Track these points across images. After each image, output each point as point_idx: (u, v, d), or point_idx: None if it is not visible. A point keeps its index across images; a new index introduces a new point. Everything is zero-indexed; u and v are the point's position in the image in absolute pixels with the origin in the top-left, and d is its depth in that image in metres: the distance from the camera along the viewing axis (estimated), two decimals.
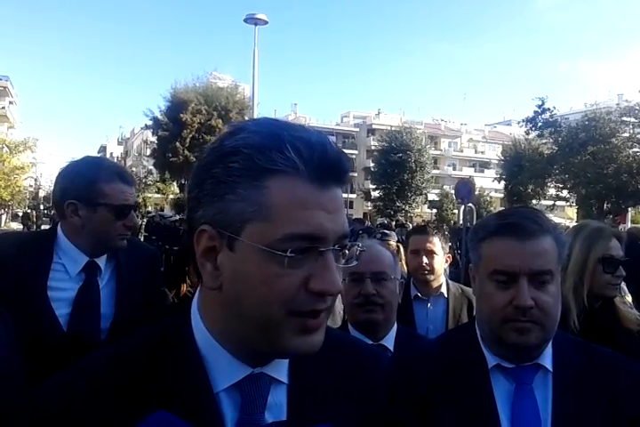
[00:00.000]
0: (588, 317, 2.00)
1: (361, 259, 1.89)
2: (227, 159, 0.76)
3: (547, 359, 1.29)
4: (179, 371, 0.81)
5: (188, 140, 31.41)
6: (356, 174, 56.16)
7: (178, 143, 31.20)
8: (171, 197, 39.21)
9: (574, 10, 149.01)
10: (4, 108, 47.13)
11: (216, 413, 0.80)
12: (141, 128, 44.17)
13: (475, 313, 1.50)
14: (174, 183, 36.41)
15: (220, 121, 31.97)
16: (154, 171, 38.37)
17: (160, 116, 32.70)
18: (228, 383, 0.81)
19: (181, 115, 31.01)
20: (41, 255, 1.79)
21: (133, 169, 53.75)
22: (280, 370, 0.86)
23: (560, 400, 1.23)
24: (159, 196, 41.56)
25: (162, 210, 39.62)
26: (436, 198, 48.95)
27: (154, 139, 35.11)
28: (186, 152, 31.19)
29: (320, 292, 0.75)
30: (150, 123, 33.75)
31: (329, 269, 0.76)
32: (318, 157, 0.76)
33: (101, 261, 1.90)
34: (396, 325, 1.93)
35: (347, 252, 0.83)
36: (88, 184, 1.80)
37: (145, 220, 21.84)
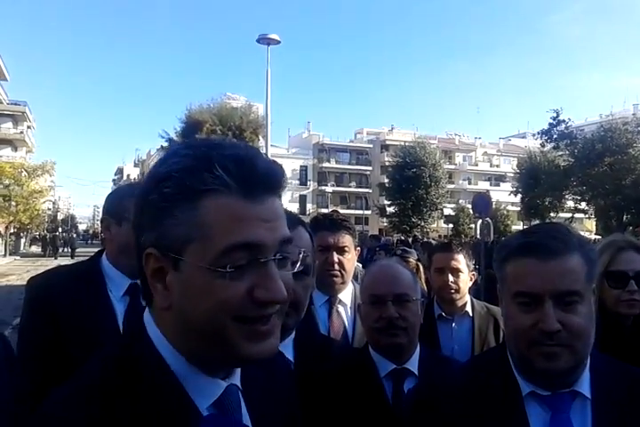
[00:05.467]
0: (612, 335, 1.89)
1: (381, 280, 1.83)
2: (161, 185, 0.79)
3: (584, 386, 1.20)
4: (158, 395, 0.80)
5: None
6: (370, 190, 56.16)
7: None
8: None
9: (586, 23, 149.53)
10: (22, 132, 48.08)
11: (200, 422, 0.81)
12: (157, 150, 44.68)
13: (504, 339, 1.42)
14: None
15: (235, 141, 32.23)
16: None
17: (175, 138, 33.07)
18: (210, 400, 0.83)
19: (196, 135, 31.32)
20: (92, 286, 1.88)
21: None
22: (237, 378, 0.90)
23: None
24: None
25: None
26: (452, 213, 48.70)
27: None
28: None
29: (265, 301, 0.78)
30: (166, 144, 34.15)
31: (271, 278, 0.79)
32: (247, 172, 0.79)
33: None
34: (418, 346, 1.87)
35: (288, 257, 0.84)
36: (116, 200, 1.94)
37: None
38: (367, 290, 1.83)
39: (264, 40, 20.75)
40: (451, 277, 2.61)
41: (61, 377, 1.74)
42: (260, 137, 32.16)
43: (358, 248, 2.46)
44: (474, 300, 2.78)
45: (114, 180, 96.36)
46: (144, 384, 0.80)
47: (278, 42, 21.14)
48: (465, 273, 2.65)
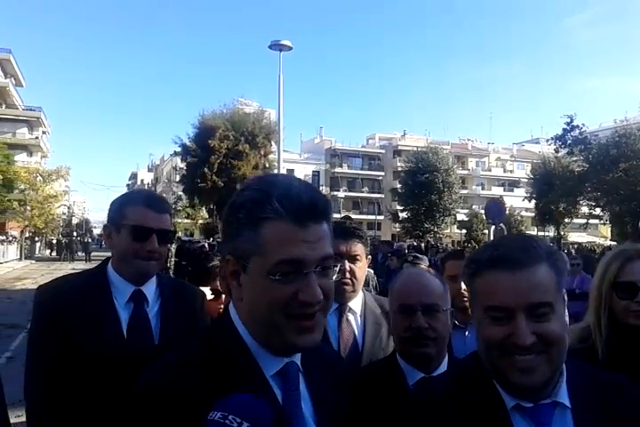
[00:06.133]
0: (623, 347, 1.86)
1: (410, 290, 1.83)
2: (236, 211, 1.07)
3: (563, 395, 1.19)
4: (237, 363, 1.08)
5: (215, 165, 31.85)
6: (383, 196, 56.05)
7: (206, 169, 31.64)
8: (200, 221, 39.65)
9: (603, 27, 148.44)
10: (37, 138, 48.69)
11: (270, 392, 1.08)
12: (171, 155, 44.97)
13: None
14: (203, 208, 36.84)
15: (247, 146, 32.42)
16: (183, 196, 38.92)
17: (189, 143, 33.29)
18: (273, 371, 1.10)
19: (209, 141, 31.55)
20: (98, 293, 1.92)
21: (163, 195, 54.61)
22: (298, 358, 1.16)
23: None
24: (189, 221, 42.04)
25: (192, 235, 40.04)
26: (466, 218, 48.43)
27: (183, 165, 35.68)
28: (214, 177, 31.62)
29: (304, 302, 1.03)
30: (179, 150, 34.38)
31: (310, 285, 1.03)
32: (295, 204, 1.04)
33: (150, 292, 1.98)
34: (447, 355, 1.85)
35: (335, 269, 1.10)
36: (116, 208, 1.97)
37: (175, 245, 22.03)
38: (397, 299, 1.81)
39: (276, 46, 20.84)
40: (464, 285, 2.58)
41: (68, 379, 1.78)
42: (273, 142, 32.27)
43: (369, 256, 2.45)
44: None
45: (128, 185, 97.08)
46: (227, 354, 1.08)
47: (290, 48, 21.22)
48: None
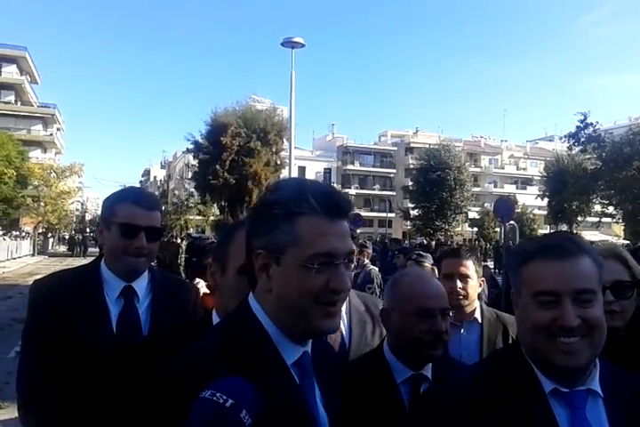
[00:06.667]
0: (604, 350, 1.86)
1: (431, 293, 1.90)
2: (271, 208, 1.16)
3: (597, 384, 1.27)
4: (262, 351, 1.15)
5: (227, 162, 31.81)
6: (394, 193, 55.88)
7: (218, 166, 31.60)
8: (211, 218, 39.76)
9: (619, 24, 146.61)
10: (51, 134, 49.15)
11: (292, 379, 1.18)
12: (183, 152, 45.15)
13: (516, 339, 1.42)
14: (214, 205, 36.91)
15: (259, 143, 32.36)
16: (195, 193, 39.03)
17: (201, 140, 33.26)
18: (293, 359, 1.19)
19: (221, 138, 31.52)
20: (89, 288, 1.95)
21: (176, 192, 54.92)
22: (309, 347, 1.25)
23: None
24: (200, 218, 42.20)
25: (203, 231, 40.23)
26: (477, 216, 48.15)
27: (195, 162, 35.73)
28: (225, 174, 31.58)
29: (336, 290, 1.14)
30: (192, 146, 34.42)
31: (341, 275, 1.15)
32: (328, 201, 1.16)
33: (141, 288, 2.01)
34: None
35: (352, 262, 1.20)
36: (107, 206, 2.02)
37: (185, 242, 22.12)
38: (414, 301, 1.84)
39: (288, 43, 20.81)
40: (459, 284, 2.58)
41: (61, 371, 1.82)
42: (285, 139, 32.22)
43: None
44: (484, 306, 2.74)
45: (141, 181, 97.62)
46: (250, 343, 1.15)
47: (303, 45, 21.17)
48: (474, 279, 2.63)
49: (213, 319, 1.62)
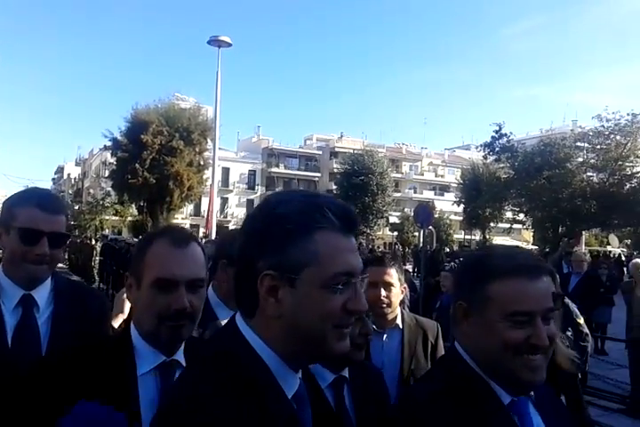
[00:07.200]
0: None
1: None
2: (281, 223, 1.02)
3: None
4: (256, 383, 1.01)
5: (147, 161, 30.94)
6: None
7: (137, 165, 30.67)
8: (129, 219, 38.46)
9: (536, 39, 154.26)
10: None
11: (295, 414, 1.05)
12: (100, 149, 43.38)
13: (453, 350, 1.43)
14: (133, 205, 35.73)
15: (182, 142, 31.71)
16: (112, 193, 37.64)
17: (120, 137, 32.18)
18: (293, 391, 1.07)
19: (142, 136, 30.60)
20: None
21: (91, 191, 52.69)
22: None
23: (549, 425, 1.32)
24: (117, 218, 40.69)
25: (119, 233, 38.75)
26: (398, 221, 49.47)
27: (113, 160, 34.47)
28: (145, 174, 30.71)
29: (355, 311, 1.04)
30: (109, 144, 33.20)
31: (360, 294, 1.05)
32: (345, 215, 1.05)
33: (41, 297, 1.87)
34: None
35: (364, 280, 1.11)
36: (7, 208, 1.87)
37: (100, 243, 21.23)
38: None
39: (215, 42, 20.54)
40: (383, 292, 2.60)
41: None
42: (209, 139, 31.68)
43: None
44: (404, 312, 2.79)
45: (53, 178, 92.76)
46: (247, 380, 1.00)
47: (229, 44, 20.96)
48: (397, 287, 2.65)
49: (132, 333, 1.51)
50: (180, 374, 1.09)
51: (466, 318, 1.34)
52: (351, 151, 49.45)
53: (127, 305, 2.38)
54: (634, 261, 7.81)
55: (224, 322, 2.13)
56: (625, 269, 18.14)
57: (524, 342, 1.24)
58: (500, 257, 1.34)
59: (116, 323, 2.47)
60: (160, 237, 1.51)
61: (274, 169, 57.95)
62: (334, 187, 47.52)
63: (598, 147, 28.33)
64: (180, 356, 1.48)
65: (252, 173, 57.72)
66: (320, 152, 61.32)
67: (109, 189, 38.06)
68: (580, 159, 28.91)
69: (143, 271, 1.46)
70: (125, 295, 2.48)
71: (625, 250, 40.75)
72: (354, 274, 1.04)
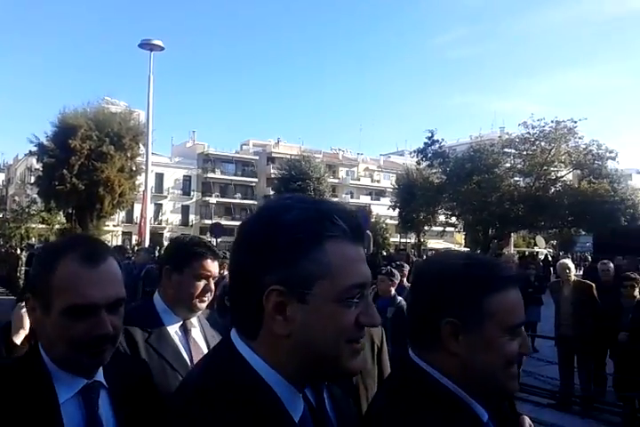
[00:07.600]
0: None
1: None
2: (290, 231, 0.92)
3: None
4: (263, 405, 0.92)
5: (76, 167, 29.80)
6: (256, 202, 56.05)
7: (65, 170, 29.49)
8: (57, 227, 36.79)
9: (470, 48, 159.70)
10: None
11: None
12: (25, 154, 41.31)
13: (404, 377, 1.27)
14: (60, 213, 34.26)
15: (112, 147, 30.75)
16: (38, 200, 35.95)
17: (46, 142, 30.83)
18: (299, 414, 0.98)
19: (70, 141, 29.44)
20: None
21: (16, 198, 50.16)
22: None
23: None
24: (44, 226, 38.88)
25: (47, 241, 37.00)
26: None
27: (39, 166, 32.95)
28: (74, 180, 29.56)
29: (368, 324, 0.97)
30: (35, 149, 31.72)
31: (372, 307, 0.99)
32: (354, 222, 0.98)
33: None
34: None
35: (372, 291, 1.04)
36: None
37: (26, 253, 20.19)
38: None
39: (147, 45, 20.11)
40: None
41: None
42: (141, 144, 30.88)
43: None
44: None
45: None
46: (259, 417, 0.90)
47: (162, 48, 20.57)
48: None
49: (42, 355, 1.28)
50: (180, 418, 0.93)
51: (455, 336, 1.18)
52: (288, 157, 49.52)
53: (27, 320, 2.20)
54: (561, 261, 8.13)
55: (170, 328, 2.08)
56: (552, 269, 18.93)
57: (518, 354, 1.21)
58: (487, 267, 1.22)
59: (18, 339, 2.27)
60: (67, 253, 1.24)
61: (210, 175, 57.09)
62: (272, 192, 47.32)
63: (524, 153, 29.74)
64: (100, 376, 1.30)
65: (188, 179, 56.64)
66: (257, 157, 60.98)
67: (35, 196, 36.38)
68: (508, 165, 30.24)
69: (51, 296, 1.22)
70: (25, 310, 2.19)
71: (551, 250, 42.74)
72: (366, 286, 0.98)
